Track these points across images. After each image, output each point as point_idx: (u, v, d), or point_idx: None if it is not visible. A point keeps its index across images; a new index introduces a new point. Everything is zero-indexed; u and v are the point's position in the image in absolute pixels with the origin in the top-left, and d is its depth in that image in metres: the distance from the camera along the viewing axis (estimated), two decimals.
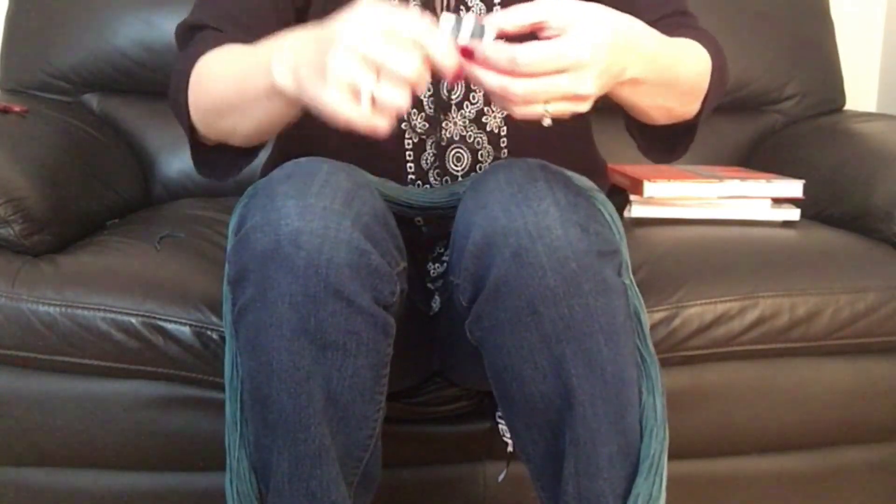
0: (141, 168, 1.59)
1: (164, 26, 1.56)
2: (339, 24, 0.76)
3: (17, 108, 1.37)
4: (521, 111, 0.80)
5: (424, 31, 0.75)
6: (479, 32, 0.79)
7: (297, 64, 0.79)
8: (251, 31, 0.98)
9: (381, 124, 0.75)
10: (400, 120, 1.05)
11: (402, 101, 0.75)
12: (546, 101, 0.80)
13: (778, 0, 1.77)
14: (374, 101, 0.74)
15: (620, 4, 1.05)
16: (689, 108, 1.01)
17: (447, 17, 0.79)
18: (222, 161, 1.03)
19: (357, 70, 0.73)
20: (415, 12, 0.76)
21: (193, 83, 0.96)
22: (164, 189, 1.61)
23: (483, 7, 1.06)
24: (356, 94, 0.74)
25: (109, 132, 1.56)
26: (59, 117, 1.45)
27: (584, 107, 0.82)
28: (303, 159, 0.87)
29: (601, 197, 0.97)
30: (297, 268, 0.79)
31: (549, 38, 0.79)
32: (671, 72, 0.94)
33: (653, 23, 1.03)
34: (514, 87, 0.78)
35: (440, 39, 0.76)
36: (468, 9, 1.06)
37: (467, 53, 0.79)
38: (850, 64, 1.83)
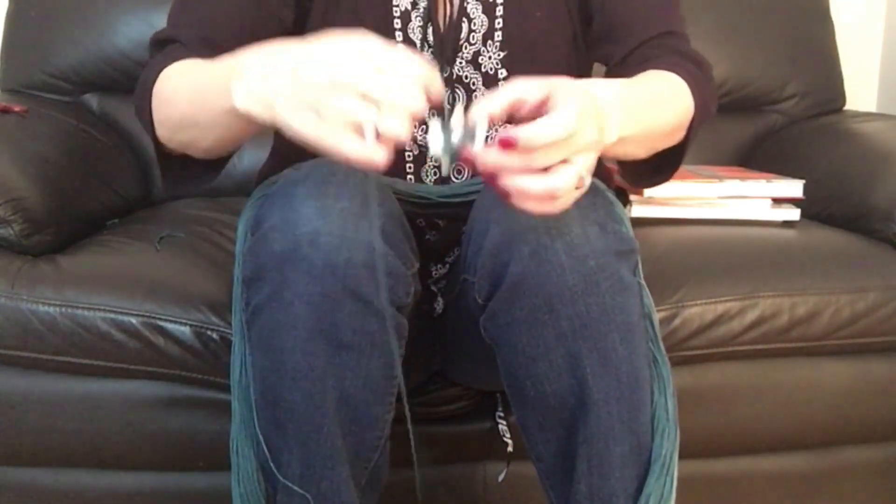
0: (141, 168, 1.59)
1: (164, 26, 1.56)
2: (327, 55, 0.72)
3: (17, 108, 1.37)
4: (563, 201, 0.75)
5: (419, 66, 0.72)
6: (469, 135, 0.74)
7: (272, 93, 0.74)
8: (222, 51, 0.94)
9: (380, 157, 0.71)
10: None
11: (405, 132, 0.71)
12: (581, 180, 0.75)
13: (778, 0, 1.77)
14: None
15: (615, 26, 1.05)
16: (670, 142, 0.98)
17: (434, 128, 0.74)
18: (187, 174, 1.00)
19: (359, 107, 0.70)
20: (403, 49, 0.73)
21: (156, 94, 0.94)
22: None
23: (462, 94, 1.05)
24: (357, 128, 0.70)
25: (109, 132, 1.56)
26: (59, 117, 1.45)
27: (592, 157, 0.77)
28: (319, 160, 0.87)
29: (612, 197, 0.97)
30: (314, 268, 0.79)
31: (530, 113, 0.75)
32: (651, 122, 0.90)
33: (643, 44, 1.02)
34: (560, 181, 0.73)
35: (435, 76, 0.73)
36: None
37: (509, 145, 0.72)
38: (850, 64, 1.83)
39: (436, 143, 0.74)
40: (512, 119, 0.77)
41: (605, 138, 0.80)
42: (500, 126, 0.78)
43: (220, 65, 0.85)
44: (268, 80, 0.74)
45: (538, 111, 0.75)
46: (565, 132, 0.72)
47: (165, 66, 0.94)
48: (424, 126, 1.04)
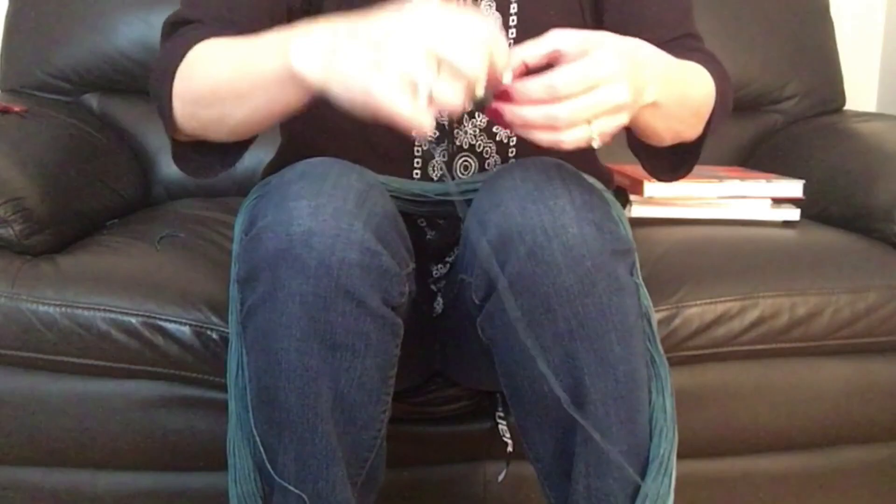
0: (141, 168, 1.59)
1: None
2: (397, 15, 0.74)
3: (17, 108, 1.37)
4: (570, 137, 0.79)
5: (491, 32, 0.75)
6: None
7: (334, 52, 0.76)
8: (244, 32, 0.97)
9: (428, 121, 0.73)
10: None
11: (458, 100, 0.73)
12: (589, 121, 0.79)
13: (778, 0, 1.77)
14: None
15: (630, 27, 1.06)
16: (693, 130, 1.00)
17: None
18: (198, 160, 1.00)
19: (419, 63, 0.72)
20: (480, 13, 0.75)
21: (183, 70, 0.93)
22: (164, 189, 1.61)
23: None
24: (411, 87, 0.72)
25: (109, 132, 1.56)
26: (59, 117, 1.45)
27: (623, 118, 0.81)
28: (314, 159, 0.87)
29: (610, 198, 0.97)
30: (308, 268, 0.79)
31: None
32: (682, 94, 0.93)
33: (660, 45, 1.04)
34: (558, 110, 0.77)
35: (502, 43, 0.76)
36: None
37: (504, 96, 0.79)
38: (850, 64, 1.83)
39: (467, 101, 0.77)
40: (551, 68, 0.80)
41: (644, 98, 0.83)
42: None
43: (275, 33, 0.85)
44: (333, 41, 0.76)
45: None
46: (601, 75, 0.77)
47: (194, 44, 0.93)
48: (436, 122, 1.04)
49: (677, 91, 0.91)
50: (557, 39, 0.80)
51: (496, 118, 0.80)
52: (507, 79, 0.78)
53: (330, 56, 0.76)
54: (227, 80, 0.89)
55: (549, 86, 0.77)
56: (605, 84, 0.78)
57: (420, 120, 0.72)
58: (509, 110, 0.79)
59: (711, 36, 1.74)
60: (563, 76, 0.77)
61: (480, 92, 0.76)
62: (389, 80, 0.72)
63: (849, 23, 1.93)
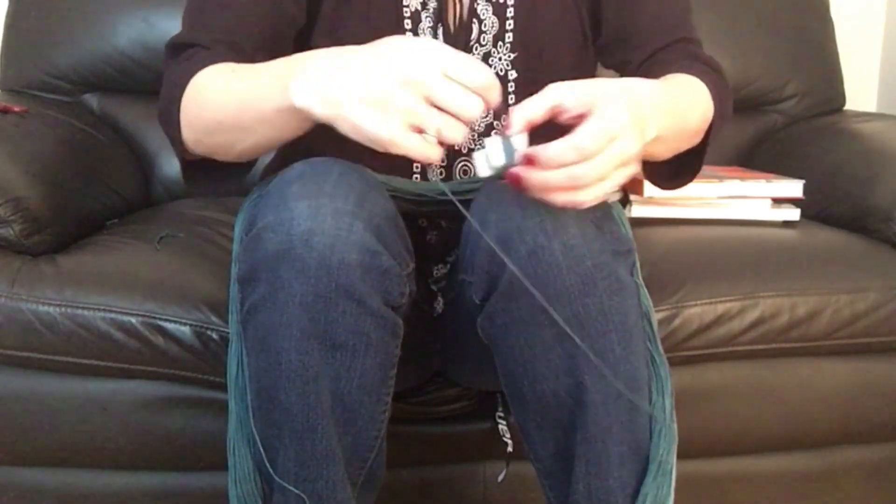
0: (141, 168, 1.60)
1: (164, 26, 1.56)
2: (399, 55, 0.77)
3: (17, 108, 1.37)
4: (590, 195, 0.78)
5: (482, 73, 0.77)
6: (511, 148, 0.79)
7: (338, 90, 0.78)
8: (245, 55, 0.97)
9: (437, 154, 0.77)
10: None
11: (461, 137, 0.77)
12: (604, 177, 0.78)
13: (778, 0, 1.77)
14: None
15: (627, 32, 1.06)
16: (691, 144, 1.00)
17: (478, 155, 0.79)
18: (209, 178, 1.02)
19: (423, 109, 0.76)
20: (474, 57, 0.77)
21: (187, 100, 0.94)
22: (164, 189, 1.61)
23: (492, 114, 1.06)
24: (416, 127, 0.76)
25: (109, 132, 1.56)
26: (59, 117, 1.45)
27: (634, 168, 0.81)
28: (314, 159, 0.87)
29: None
30: (308, 268, 0.79)
31: (571, 120, 0.79)
32: (681, 120, 0.93)
33: (658, 51, 1.04)
34: (582, 169, 0.77)
35: (496, 95, 0.78)
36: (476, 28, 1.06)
37: (530, 161, 0.78)
38: (850, 64, 1.83)
39: (482, 169, 0.80)
40: (553, 122, 0.80)
41: (647, 136, 0.83)
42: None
43: (273, 64, 0.87)
44: (335, 77, 0.79)
45: (580, 118, 0.78)
46: (616, 129, 0.77)
47: (196, 72, 0.94)
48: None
49: (676, 119, 0.91)
50: (557, 95, 0.79)
51: (514, 183, 0.79)
52: (521, 145, 0.78)
53: (335, 96, 0.78)
54: (230, 113, 0.90)
55: (579, 147, 0.76)
56: (619, 138, 0.77)
57: (430, 155, 0.77)
58: (532, 176, 0.78)
59: (711, 36, 1.74)
60: (588, 136, 0.76)
61: (499, 161, 0.79)
62: (397, 127, 0.76)
63: (849, 23, 1.93)
